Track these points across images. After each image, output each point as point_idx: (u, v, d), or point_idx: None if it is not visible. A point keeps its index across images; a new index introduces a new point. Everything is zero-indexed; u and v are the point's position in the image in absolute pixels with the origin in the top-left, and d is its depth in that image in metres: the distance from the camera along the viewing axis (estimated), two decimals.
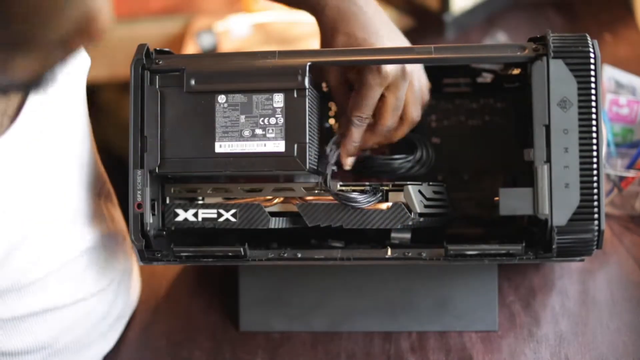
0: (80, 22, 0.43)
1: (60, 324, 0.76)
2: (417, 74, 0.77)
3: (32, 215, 0.68)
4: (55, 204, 0.70)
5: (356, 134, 0.76)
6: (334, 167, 0.76)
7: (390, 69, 0.72)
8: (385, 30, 0.75)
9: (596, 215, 0.67)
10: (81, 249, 0.75)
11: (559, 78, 0.68)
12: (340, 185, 0.74)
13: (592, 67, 0.68)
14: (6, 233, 0.65)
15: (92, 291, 0.77)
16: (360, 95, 0.74)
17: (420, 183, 0.74)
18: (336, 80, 0.79)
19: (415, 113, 0.77)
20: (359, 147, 0.77)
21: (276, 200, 0.75)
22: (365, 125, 0.75)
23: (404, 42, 0.78)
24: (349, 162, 0.77)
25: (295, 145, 0.70)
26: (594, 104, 0.68)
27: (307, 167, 0.70)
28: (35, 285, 0.71)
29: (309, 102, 0.71)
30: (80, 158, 0.73)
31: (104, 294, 0.79)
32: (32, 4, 0.40)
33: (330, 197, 0.73)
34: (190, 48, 1.34)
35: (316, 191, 0.74)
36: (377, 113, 0.75)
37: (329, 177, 0.73)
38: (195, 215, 0.74)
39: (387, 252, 0.73)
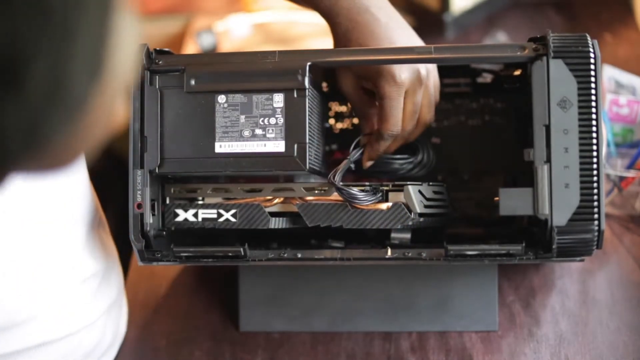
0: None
1: (53, 358, 0.75)
2: (432, 74, 0.76)
3: (29, 254, 0.67)
4: (53, 242, 0.70)
5: (384, 146, 0.76)
6: (352, 165, 0.76)
7: (405, 76, 0.72)
8: (398, 37, 0.74)
9: (596, 215, 0.67)
10: (76, 283, 0.74)
11: (559, 78, 0.68)
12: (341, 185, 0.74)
13: (592, 67, 0.68)
14: (3, 275, 0.65)
15: (84, 323, 0.76)
16: (386, 110, 0.73)
17: (420, 183, 0.74)
18: (352, 86, 0.78)
19: (429, 115, 0.77)
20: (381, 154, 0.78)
21: (276, 200, 0.75)
22: (394, 138, 0.76)
23: (418, 43, 0.77)
24: (369, 164, 0.78)
25: (295, 145, 0.70)
26: (594, 104, 0.68)
27: (307, 167, 0.70)
28: (31, 320, 0.70)
29: (309, 102, 0.71)
30: (77, 198, 0.72)
31: (94, 326, 0.78)
32: (66, 142, 0.39)
33: (330, 197, 0.73)
34: (190, 48, 1.34)
35: (316, 191, 0.74)
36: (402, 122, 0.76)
37: (340, 172, 0.73)
38: (195, 215, 0.74)
39: (387, 252, 0.73)
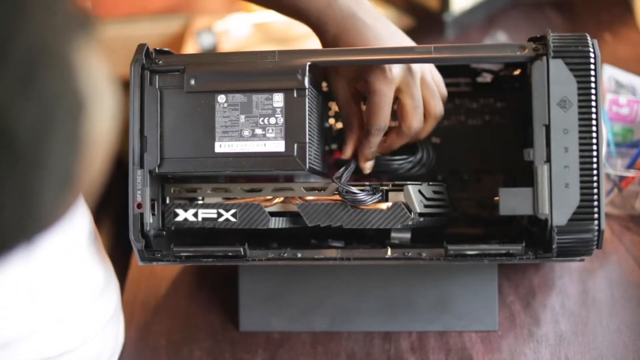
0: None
1: None
2: (428, 68, 0.77)
3: (28, 271, 0.67)
4: (53, 258, 0.69)
5: (374, 142, 0.76)
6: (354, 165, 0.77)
7: (395, 70, 0.72)
8: (387, 36, 0.75)
9: (596, 215, 0.67)
10: (75, 299, 0.74)
11: (558, 78, 0.68)
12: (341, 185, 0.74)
13: (592, 66, 0.68)
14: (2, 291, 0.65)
15: (84, 338, 0.76)
16: (374, 105, 0.73)
17: (420, 183, 0.74)
18: (345, 94, 0.78)
19: (437, 108, 0.77)
20: (385, 150, 0.78)
21: (276, 200, 0.75)
22: (382, 133, 0.76)
23: (408, 43, 0.77)
24: (367, 166, 0.78)
25: (295, 145, 0.70)
26: (594, 103, 0.68)
27: (307, 167, 0.70)
28: (30, 337, 0.70)
29: (309, 102, 0.71)
30: (74, 215, 0.72)
31: (94, 341, 0.77)
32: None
33: (330, 197, 0.73)
34: (190, 48, 1.34)
35: (316, 191, 0.74)
36: (399, 116, 0.75)
37: (348, 172, 0.73)
38: (195, 215, 0.74)
39: (387, 252, 0.73)
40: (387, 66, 0.72)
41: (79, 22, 0.36)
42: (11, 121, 0.33)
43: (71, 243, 0.72)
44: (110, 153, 0.41)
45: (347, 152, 0.79)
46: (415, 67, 0.74)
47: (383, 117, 0.74)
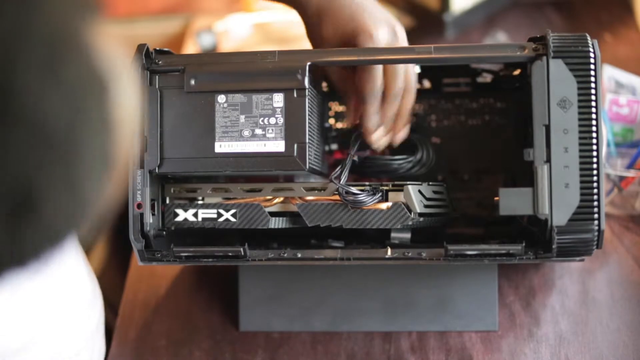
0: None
1: None
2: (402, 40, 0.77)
3: (24, 287, 0.67)
4: (47, 271, 0.70)
5: (372, 111, 0.75)
6: (355, 159, 0.77)
7: (382, 35, 0.72)
8: (375, 11, 0.74)
9: (596, 215, 0.67)
10: (69, 311, 0.74)
11: (558, 78, 0.68)
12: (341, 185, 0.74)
13: (592, 66, 0.68)
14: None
15: (75, 350, 0.76)
16: (365, 71, 0.73)
17: (420, 183, 0.74)
18: (336, 69, 0.78)
19: (414, 77, 0.76)
20: (380, 122, 0.77)
21: (276, 200, 0.75)
22: (379, 98, 0.75)
23: (390, 20, 0.76)
24: (374, 138, 0.77)
25: (295, 145, 0.70)
26: (594, 103, 0.68)
27: (307, 167, 0.70)
28: (28, 350, 0.70)
29: (309, 102, 0.71)
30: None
31: (83, 352, 0.77)
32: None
33: (330, 197, 0.73)
34: (190, 48, 1.34)
35: (316, 191, 0.74)
36: (385, 82, 0.75)
37: (345, 171, 0.73)
38: (195, 215, 0.74)
39: (387, 252, 0.73)
40: (374, 32, 0.72)
41: (90, 6, 0.37)
42: (43, 110, 0.33)
43: (64, 255, 0.72)
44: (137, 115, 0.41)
45: (350, 119, 0.79)
46: (401, 34, 0.74)
47: (377, 80, 0.73)
